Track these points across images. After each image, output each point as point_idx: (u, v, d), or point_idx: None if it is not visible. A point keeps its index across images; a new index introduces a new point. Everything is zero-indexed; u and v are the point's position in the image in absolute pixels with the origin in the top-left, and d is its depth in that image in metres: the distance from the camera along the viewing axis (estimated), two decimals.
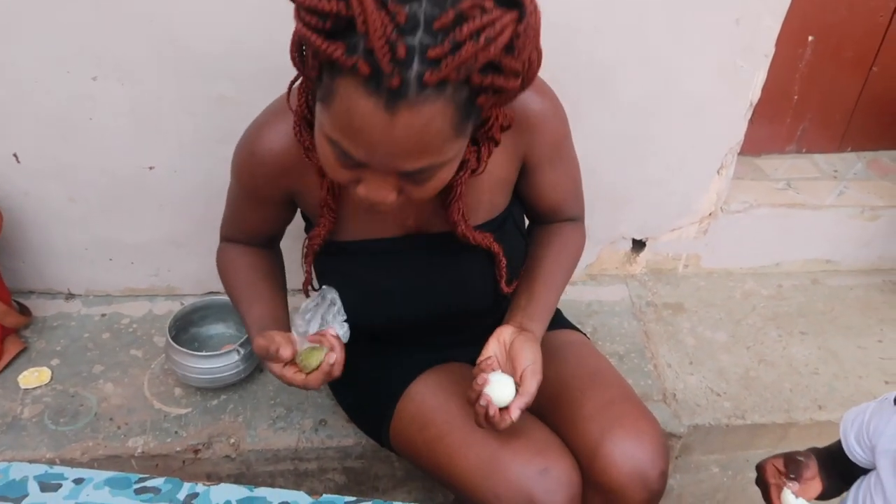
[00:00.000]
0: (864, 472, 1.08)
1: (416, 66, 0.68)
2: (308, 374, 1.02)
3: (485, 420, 1.00)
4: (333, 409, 1.49)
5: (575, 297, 1.82)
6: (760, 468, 1.08)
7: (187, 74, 1.41)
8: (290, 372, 1.02)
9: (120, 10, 1.32)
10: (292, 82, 0.92)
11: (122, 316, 1.70)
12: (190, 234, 1.64)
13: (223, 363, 1.45)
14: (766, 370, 1.68)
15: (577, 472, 1.09)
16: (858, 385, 1.66)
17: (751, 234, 1.92)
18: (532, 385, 1.00)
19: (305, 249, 1.14)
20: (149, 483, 0.98)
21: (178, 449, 1.40)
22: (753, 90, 1.64)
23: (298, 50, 0.82)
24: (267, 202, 1.13)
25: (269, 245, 1.26)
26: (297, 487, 0.98)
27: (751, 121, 1.71)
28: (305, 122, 0.93)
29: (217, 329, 1.60)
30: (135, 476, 0.98)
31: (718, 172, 1.77)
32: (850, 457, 1.03)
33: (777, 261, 1.99)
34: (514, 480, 1.04)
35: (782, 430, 1.57)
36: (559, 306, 1.35)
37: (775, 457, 1.07)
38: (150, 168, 1.53)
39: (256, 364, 1.54)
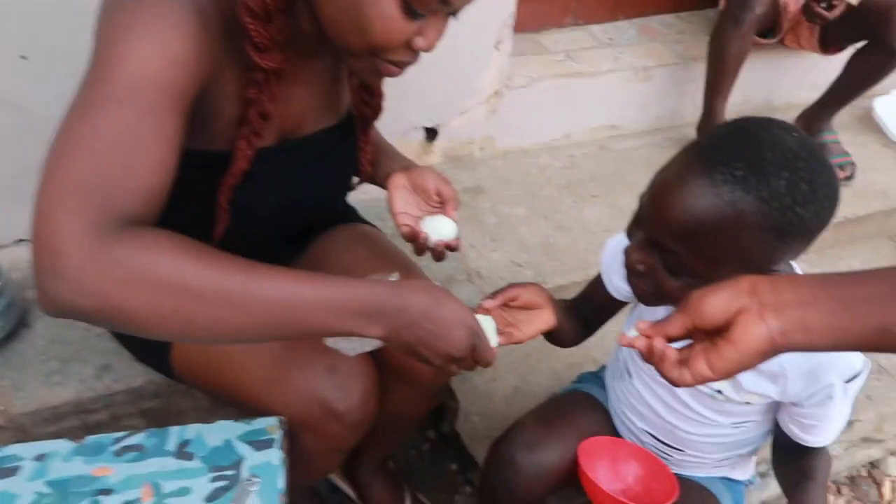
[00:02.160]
0: (605, 318, 1.14)
1: None
2: None
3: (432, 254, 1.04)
4: (118, 352, 1.34)
5: (373, 195, 1.76)
6: None
7: None
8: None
9: None
10: None
11: None
12: None
13: None
14: (562, 236, 1.74)
15: (368, 363, 1.05)
16: None
17: (538, 109, 1.94)
18: (449, 188, 1.08)
19: (223, 179, 0.90)
20: None
21: None
22: None
23: None
24: (186, 110, 0.77)
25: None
26: None
27: None
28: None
29: None
30: None
31: (496, 48, 1.74)
32: (615, 293, 1.08)
33: (566, 132, 2.05)
34: (302, 385, 0.99)
35: (578, 287, 1.64)
36: (354, 205, 1.34)
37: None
38: None
39: (18, 319, 1.35)
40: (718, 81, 1.92)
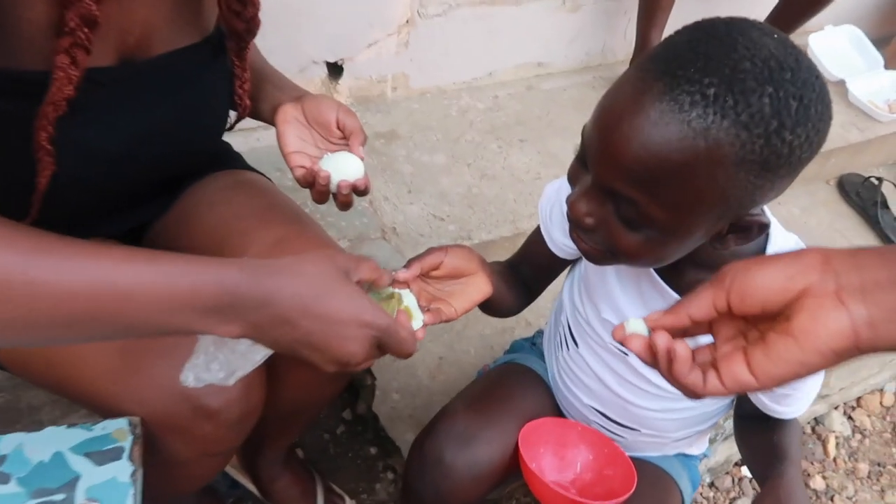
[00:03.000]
0: (548, 279, 0.97)
1: None
2: None
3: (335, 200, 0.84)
4: None
5: (269, 142, 1.51)
6: None
7: None
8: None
9: None
10: None
11: None
12: None
13: None
14: (488, 185, 1.54)
15: None
16: None
17: (457, 43, 1.72)
18: (353, 119, 0.86)
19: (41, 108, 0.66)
20: None
21: None
22: None
23: None
24: None
25: None
26: None
27: None
28: None
29: None
30: None
31: None
32: (557, 251, 0.90)
33: (489, 70, 1.84)
34: (159, 376, 0.76)
35: (511, 243, 1.46)
36: (244, 153, 1.10)
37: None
38: None
39: None
40: (652, 12, 1.75)
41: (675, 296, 0.75)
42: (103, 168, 0.76)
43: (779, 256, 0.48)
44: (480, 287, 0.81)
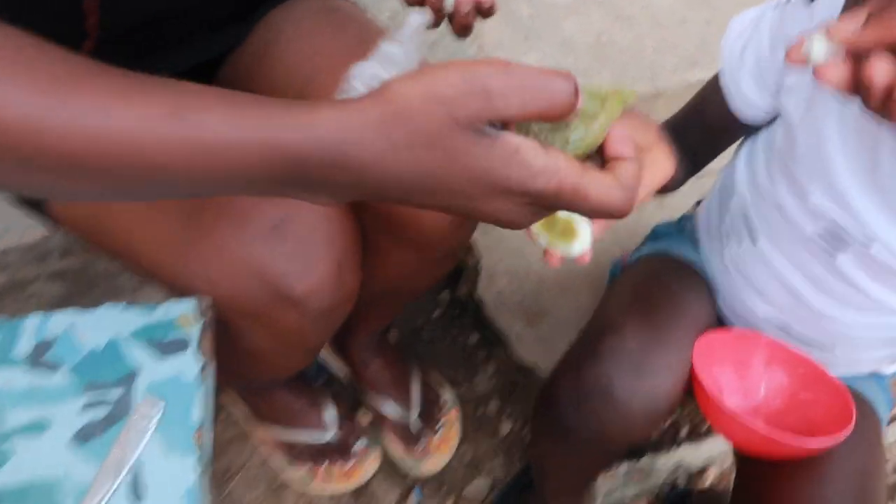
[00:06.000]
0: (719, 149, 0.73)
1: None
2: None
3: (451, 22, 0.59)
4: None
5: None
6: None
7: None
8: None
9: None
10: None
11: None
12: None
13: None
14: (622, 30, 1.27)
15: (344, 214, 0.66)
16: None
17: None
18: None
19: None
20: None
21: None
22: None
23: None
24: None
25: None
26: None
27: None
28: None
29: None
30: None
31: None
32: (740, 108, 0.66)
33: None
34: (231, 251, 0.61)
35: (648, 105, 1.21)
36: None
37: None
38: None
39: None
40: None
41: None
42: None
43: None
44: (662, 165, 0.59)
